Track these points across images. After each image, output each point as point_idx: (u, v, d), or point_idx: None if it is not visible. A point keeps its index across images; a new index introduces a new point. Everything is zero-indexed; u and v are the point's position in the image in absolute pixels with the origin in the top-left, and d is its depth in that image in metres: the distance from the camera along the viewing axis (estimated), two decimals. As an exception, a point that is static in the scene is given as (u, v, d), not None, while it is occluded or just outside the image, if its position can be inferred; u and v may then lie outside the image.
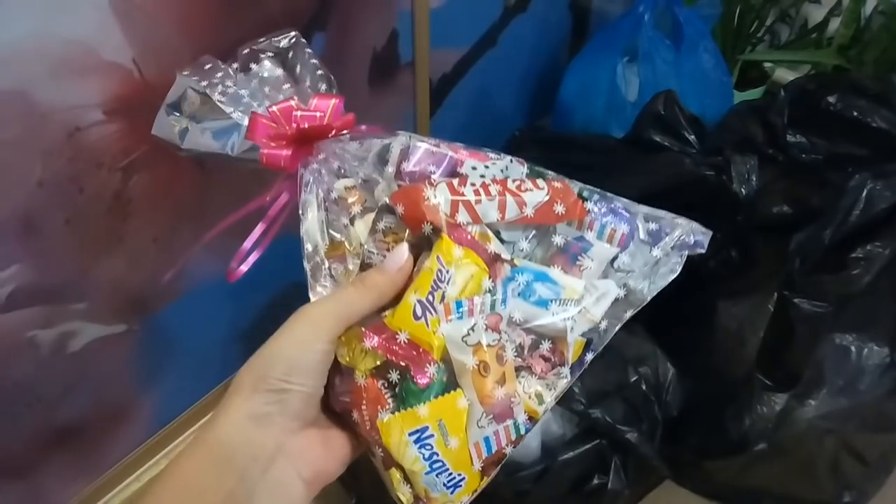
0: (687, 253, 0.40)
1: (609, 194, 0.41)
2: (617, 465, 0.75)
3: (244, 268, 0.42)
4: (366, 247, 0.39)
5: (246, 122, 0.40)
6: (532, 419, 0.38)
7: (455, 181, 0.39)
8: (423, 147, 0.41)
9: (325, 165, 0.41)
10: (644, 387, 0.78)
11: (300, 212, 0.40)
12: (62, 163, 0.64)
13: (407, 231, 0.38)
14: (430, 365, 0.36)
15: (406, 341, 0.36)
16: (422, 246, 0.39)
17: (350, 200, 0.41)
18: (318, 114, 0.40)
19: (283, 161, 0.39)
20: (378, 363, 0.37)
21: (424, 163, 0.40)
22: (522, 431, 0.38)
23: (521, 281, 0.38)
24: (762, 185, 0.84)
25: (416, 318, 0.36)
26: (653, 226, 0.40)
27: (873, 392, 0.77)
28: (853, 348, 0.77)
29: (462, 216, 0.38)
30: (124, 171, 0.69)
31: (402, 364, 0.37)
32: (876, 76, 1.01)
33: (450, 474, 0.37)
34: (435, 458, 0.36)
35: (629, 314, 0.40)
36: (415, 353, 0.36)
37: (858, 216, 0.73)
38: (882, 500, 0.86)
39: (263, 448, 0.35)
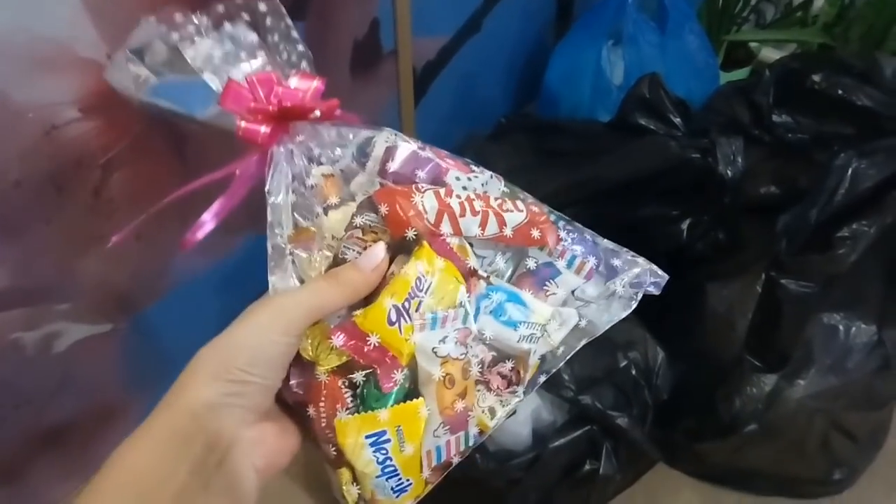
0: (641, 293, 0.41)
1: (576, 224, 0.42)
2: (608, 450, 0.75)
3: (199, 236, 0.41)
4: (342, 242, 0.38)
5: (218, 86, 0.38)
6: (482, 433, 0.39)
7: (442, 191, 0.39)
8: (408, 148, 0.40)
9: (299, 148, 0.39)
10: (634, 371, 0.78)
11: (266, 190, 0.39)
12: (40, 162, 0.63)
13: (388, 232, 0.38)
14: (397, 371, 0.36)
15: (376, 344, 0.36)
16: (398, 249, 0.38)
17: (326, 189, 0.40)
18: (299, 93, 0.38)
19: (261, 138, 0.38)
20: (341, 362, 0.37)
21: (410, 165, 0.40)
22: (471, 443, 0.39)
23: (494, 299, 0.39)
24: (748, 167, 0.83)
25: (391, 323, 0.36)
26: (615, 261, 0.41)
27: (861, 370, 0.77)
28: (841, 327, 0.77)
29: (445, 227, 0.38)
30: (104, 168, 0.68)
31: (370, 367, 0.36)
32: (861, 54, 1.01)
33: (399, 479, 0.37)
34: (388, 462, 0.37)
35: (583, 342, 0.41)
36: (383, 357, 0.36)
37: (844, 195, 0.72)
38: (872, 475, 0.87)
39: (219, 439, 0.34)
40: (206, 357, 0.35)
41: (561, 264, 0.40)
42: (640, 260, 0.42)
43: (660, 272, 0.42)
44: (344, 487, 0.38)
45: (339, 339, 0.36)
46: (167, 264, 0.81)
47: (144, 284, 0.79)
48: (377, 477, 0.37)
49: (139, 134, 0.70)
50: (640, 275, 0.41)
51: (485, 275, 0.39)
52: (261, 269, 0.37)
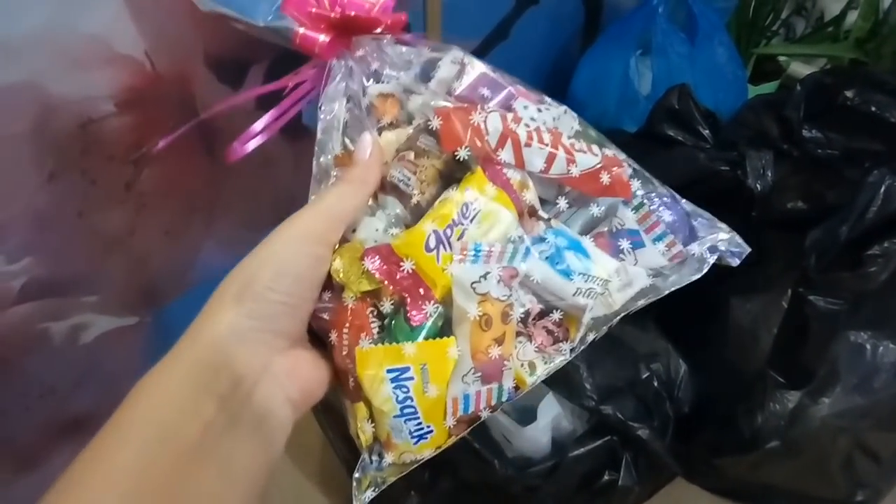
0: (714, 259, 0.39)
1: (657, 182, 0.39)
2: (628, 461, 0.75)
3: (248, 148, 0.38)
4: (392, 166, 0.35)
5: None
6: (519, 388, 0.36)
7: (510, 116, 0.35)
8: (479, 69, 0.36)
9: (360, 64, 0.36)
10: (656, 383, 0.78)
11: (319, 106, 0.36)
12: (74, 155, 0.64)
13: (442, 158, 0.34)
14: (429, 303, 0.33)
15: (410, 271, 0.33)
16: (452, 178, 0.35)
17: (382, 109, 0.37)
18: (366, 3, 0.35)
19: (318, 48, 0.35)
20: (372, 287, 0.34)
21: (479, 87, 0.36)
22: (504, 398, 0.35)
23: (553, 243, 0.35)
24: (777, 181, 0.83)
25: (429, 249, 0.33)
26: (695, 223, 0.39)
27: (888, 390, 0.76)
28: (868, 346, 0.76)
29: (506, 154, 0.34)
30: (136, 163, 0.69)
31: (400, 296, 0.33)
32: (894, 70, 1.00)
33: (419, 423, 0.34)
34: (408, 402, 0.33)
35: (642, 303, 0.38)
36: (416, 286, 0.33)
37: (876, 212, 0.71)
38: (895, 499, 0.86)
39: (249, 368, 0.31)
40: (230, 279, 0.32)
41: (648, 238, 0.37)
42: (723, 226, 0.39)
43: (741, 242, 0.39)
44: (359, 424, 0.35)
45: (372, 263, 0.33)
46: (193, 259, 0.81)
47: (170, 279, 0.80)
48: (395, 417, 0.33)
49: (171, 131, 0.71)
50: (721, 241, 0.39)
51: (546, 216, 0.35)
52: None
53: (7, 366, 0.69)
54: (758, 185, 0.82)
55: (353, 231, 0.35)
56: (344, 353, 0.34)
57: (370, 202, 0.36)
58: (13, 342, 0.69)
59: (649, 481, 0.82)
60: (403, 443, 0.34)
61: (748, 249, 0.38)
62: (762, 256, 0.84)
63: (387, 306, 0.33)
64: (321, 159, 0.36)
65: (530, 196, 0.35)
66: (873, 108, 0.83)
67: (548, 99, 0.38)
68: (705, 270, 0.38)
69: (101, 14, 0.60)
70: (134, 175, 0.70)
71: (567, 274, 0.35)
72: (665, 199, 0.38)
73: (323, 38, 0.35)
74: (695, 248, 0.38)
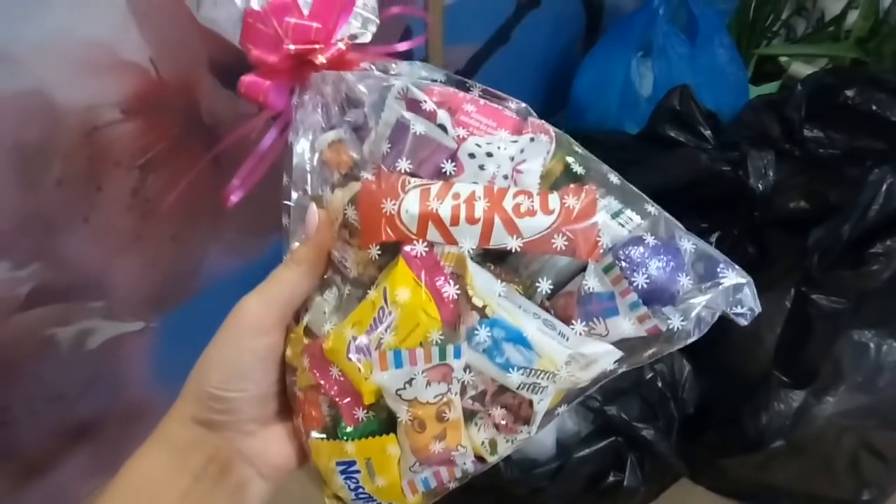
0: (714, 320, 0.32)
1: (653, 207, 0.33)
2: (633, 462, 0.75)
3: (234, 198, 0.38)
4: (333, 250, 0.33)
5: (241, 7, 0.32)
6: (482, 461, 0.34)
7: (436, 186, 0.31)
8: (420, 121, 0.31)
9: (314, 101, 0.33)
10: (660, 384, 0.78)
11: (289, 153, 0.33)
12: (81, 162, 0.65)
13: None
14: (358, 409, 0.32)
15: (339, 376, 0.32)
16: (394, 254, 0.32)
17: (334, 160, 0.33)
18: (314, 24, 0.31)
19: (263, 95, 0.32)
20: (313, 383, 0.33)
21: (415, 148, 0.32)
22: (471, 471, 0.34)
23: (487, 336, 0.31)
24: (779, 181, 0.83)
25: (349, 358, 0.31)
26: (699, 265, 0.33)
27: (892, 389, 0.76)
28: (872, 345, 0.76)
29: (432, 235, 0.30)
30: (141, 169, 0.70)
31: (332, 400, 0.32)
32: (895, 69, 1.00)
33: (378, 502, 0.33)
34: (361, 490, 0.33)
35: (623, 369, 0.33)
36: (347, 392, 0.32)
37: (878, 211, 0.72)
38: (901, 497, 0.85)
39: (218, 450, 0.33)
40: (190, 378, 0.34)
41: (622, 303, 0.31)
42: (735, 272, 0.32)
43: (754, 297, 0.32)
44: (328, 501, 0.35)
45: (307, 361, 0.32)
46: (199, 264, 0.82)
47: (176, 284, 0.80)
48: (353, 500, 0.34)
49: (176, 137, 0.71)
50: (726, 291, 0.32)
51: (480, 304, 0.31)
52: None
53: (15, 371, 0.70)
54: (760, 185, 0.82)
55: (307, 310, 0.34)
56: (304, 438, 0.34)
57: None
58: (21, 347, 0.69)
59: (654, 482, 0.82)
60: None
61: (759, 309, 0.32)
62: (765, 256, 0.85)
63: (324, 407, 0.33)
64: (296, 200, 0.33)
65: (469, 279, 0.31)
66: (874, 107, 0.83)
67: (510, 116, 0.33)
68: (696, 337, 0.32)
69: (106, 22, 0.61)
70: (140, 181, 0.70)
71: (506, 368, 0.31)
72: (651, 244, 0.31)
73: (267, 82, 0.33)
74: (675, 321, 0.31)
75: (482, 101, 0.34)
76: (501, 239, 0.30)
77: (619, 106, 1.11)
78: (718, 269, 0.33)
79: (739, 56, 1.11)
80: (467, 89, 0.35)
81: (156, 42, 0.64)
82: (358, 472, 0.32)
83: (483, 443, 0.33)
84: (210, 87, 0.71)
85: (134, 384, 0.82)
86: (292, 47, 0.32)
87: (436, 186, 0.31)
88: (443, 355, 0.30)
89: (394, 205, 0.30)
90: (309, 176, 0.33)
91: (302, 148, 0.33)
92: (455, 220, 0.30)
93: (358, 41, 0.35)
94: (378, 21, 0.36)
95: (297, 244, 0.34)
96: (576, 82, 1.15)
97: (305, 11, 0.33)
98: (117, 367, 0.79)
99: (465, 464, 0.33)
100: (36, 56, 0.58)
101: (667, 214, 0.33)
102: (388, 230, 0.30)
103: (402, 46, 0.37)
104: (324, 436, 0.33)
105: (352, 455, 0.32)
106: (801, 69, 1.26)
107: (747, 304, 0.32)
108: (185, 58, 0.67)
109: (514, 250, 0.30)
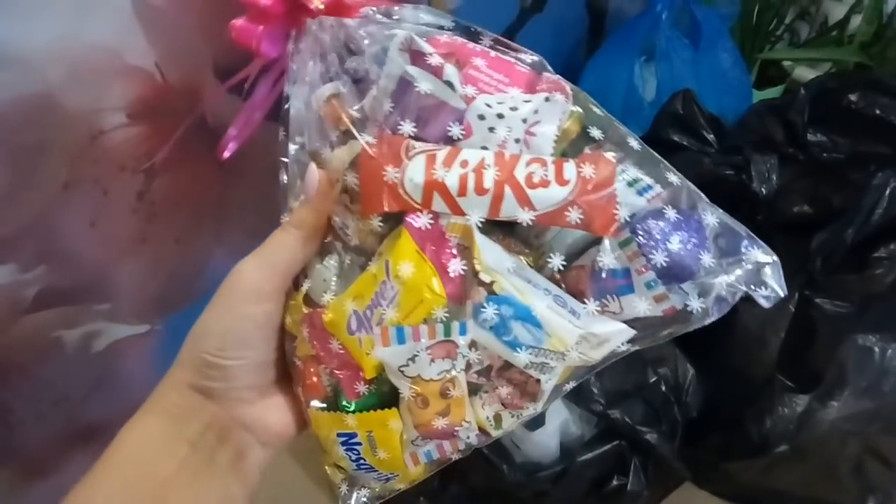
0: (738, 298, 0.30)
1: (676, 177, 0.30)
2: (636, 466, 0.75)
3: (228, 152, 0.36)
4: (334, 215, 0.31)
5: None
6: (486, 434, 0.33)
7: (443, 152, 0.28)
8: (425, 77, 0.29)
9: (311, 50, 0.31)
10: (664, 387, 0.78)
11: (284, 105, 0.31)
12: (87, 165, 0.65)
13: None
14: (359, 383, 0.31)
15: (339, 349, 0.30)
16: (396, 222, 0.30)
17: (332, 115, 0.31)
18: None
19: (255, 41, 0.30)
20: (313, 353, 0.32)
21: (420, 108, 0.29)
22: (474, 443, 0.33)
23: (494, 313, 0.28)
24: (782, 185, 0.83)
25: (350, 332, 0.30)
26: (722, 240, 0.31)
27: (897, 394, 0.76)
28: (876, 349, 0.76)
29: (438, 206, 0.28)
30: (147, 173, 0.70)
31: (332, 372, 0.32)
32: (898, 74, 1.00)
33: (379, 474, 0.33)
34: (362, 461, 0.32)
35: (634, 348, 0.33)
36: (348, 364, 0.31)
37: (881, 215, 0.72)
38: (906, 503, 0.85)
39: (216, 418, 0.32)
40: (186, 343, 0.33)
41: (638, 280, 0.29)
42: (761, 249, 0.30)
43: (779, 278, 0.30)
44: (328, 469, 0.35)
45: (307, 330, 0.31)
46: (204, 267, 0.82)
47: (181, 286, 0.81)
48: (354, 470, 0.33)
49: (181, 140, 0.72)
50: (753, 269, 0.30)
51: (487, 279, 0.28)
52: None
53: (21, 373, 0.70)
54: (763, 190, 0.82)
55: (307, 277, 0.33)
56: (304, 407, 0.34)
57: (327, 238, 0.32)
58: (27, 350, 0.69)
59: (658, 487, 0.82)
60: (372, 482, 0.34)
61: (784, 292, 0.30)
62: (768, 260, 0.85)
63: (324, 377, 0.32)
64: (294, 155, 0.30)
65: (475, 254, 0.29)
66: (878, 112, 0.83)
67: (525, 70, 0.29)
68: (715, 317, 0.29)
69: (112, 26, 0.61)
70: (145, 185, 0.71)
71: (514, 346, 0.29)
72: (672, 218, 0.29)
73: (260, 27, 0.30)
74: (694, 302, 0.29)
75: (493, 54, 0.31)
76: (512, 211, 0.28)
77: (623, 110, 1.11)
78: (742, 246, 0.31)
79: (743, 60, 1.11)
80: (477, 38, 0.32)
81: (161, 47, 0.65)
82: (359, 444, 0.32)
83: (488, 418, 0.32)
84: (215, 91, 0.71)
85: (139, 386, 0.82)
86: None
87: (442, 152, 0.28)
88: (447, 332, 0.29)
89: (396, 172, 0.28)
90: (306, 130, 0.31)
91: (298, 100, 0.30)
92: (463, 191, 0.28)
93: None
94: None
95: (296, 204, 0.32)
96: (579, 86, 1.16)
97: None
98: (122, 369, 0.79)
99: (468, 437, 0.32)
100: (43, 60, 0.58)
101: (689, 184, 0.31)
102: (391, 200, 0.28)
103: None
104: (324, 406, 0.32)
105: (353, 427, 0.31)
106: (804, 73, 1.26)
107: (771, 285, 0.30)
108: (191, 62, 0.68)
109: (525, 223, 0.28)
